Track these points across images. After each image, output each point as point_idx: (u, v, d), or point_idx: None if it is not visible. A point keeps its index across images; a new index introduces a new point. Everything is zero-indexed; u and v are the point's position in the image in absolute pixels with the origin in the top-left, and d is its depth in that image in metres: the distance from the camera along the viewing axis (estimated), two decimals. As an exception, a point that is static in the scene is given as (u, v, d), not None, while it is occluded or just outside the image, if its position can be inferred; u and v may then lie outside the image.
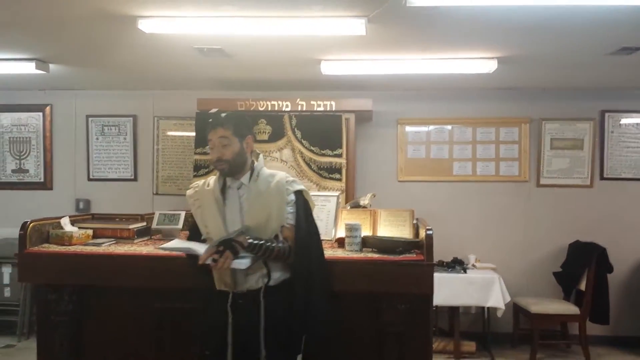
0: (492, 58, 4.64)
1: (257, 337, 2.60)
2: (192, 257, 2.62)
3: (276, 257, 2.60)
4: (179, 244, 2.74)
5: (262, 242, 2.53)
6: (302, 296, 2.60)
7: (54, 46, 4.52)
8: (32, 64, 4.89)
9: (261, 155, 2.84)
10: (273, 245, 2.57)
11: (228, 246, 2.44)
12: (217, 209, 2.68)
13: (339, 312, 2.82)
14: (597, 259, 5.31)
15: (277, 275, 2.66)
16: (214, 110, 2.75)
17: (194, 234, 2.83)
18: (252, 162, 2.74)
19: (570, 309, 5.40)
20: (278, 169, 4.97)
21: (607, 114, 5.92)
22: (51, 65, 5.11)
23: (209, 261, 2.45)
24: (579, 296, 5.48)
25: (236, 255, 2.46)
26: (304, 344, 2.71)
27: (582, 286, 5.38)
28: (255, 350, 2.60)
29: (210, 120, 2.68)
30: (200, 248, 2.55)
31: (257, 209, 2.65)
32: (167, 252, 3.09)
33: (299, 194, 2.71)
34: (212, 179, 2.80)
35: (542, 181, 5.97)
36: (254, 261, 2.55)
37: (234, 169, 2.67)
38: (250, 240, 2.49)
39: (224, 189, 2.72)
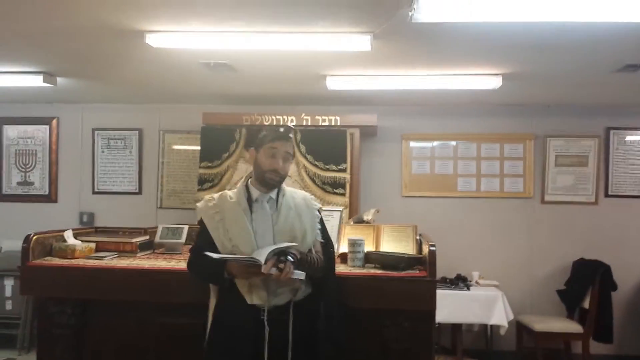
0: (497, 74, 4.65)
1: (283, 354, 2.55)
2: (213, 271, 2.57)
3: (315, 271, 2.62)
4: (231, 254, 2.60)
5: (309, 256, 2.60)
6: (335, 309, 2.67)
7: (62, 60, 4.56)
8: (40, 77, 4.92)
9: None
10: (314, 259, 2.63)
11: (288, 256, 2.47)
12: (247, 221, 2.64)
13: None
14: (601, 277, 5.28)
15: (303, 289, 2.65)
16: (290, 122, 2.82)
17: (206, 249, 2.63)
18: None
19: (574, 327, 5.36)
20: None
21: (612, 131, 5.92)
22: (58, 79, 5.14)
23: (272, 271, 2.41)
24: (583, 314, 5.45)
25: (295, 267, 2.48)
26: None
27: (586, 304, 5.34)
28: None
29: (283, 130, 2.70)
30: (260, 257, 2.45)
31: (291, 222, 2.66)
32: (169, 267, 3.10)
33: (319, 211, 2.81)
34: (230, 192, 2.76)
35: (547, 198, 5.96)
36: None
37: (280, 184, 2.72)
38: (304, 255, 2.56)
39: (249, 202, 2.69)
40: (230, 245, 2.63)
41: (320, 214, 2.81)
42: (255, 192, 2.69)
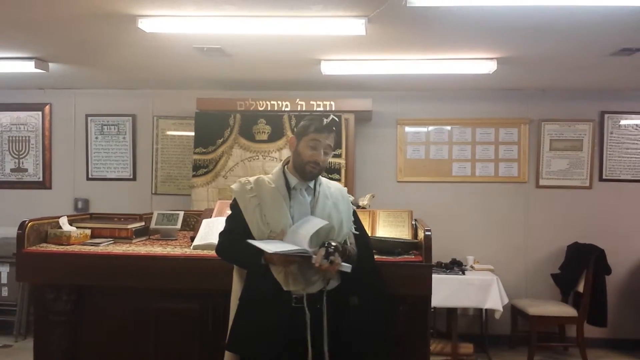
0: (492, 59, 4.64)
1: (319, 341, 2.54)
2: (250, 257, 2.55)
3: (351, 262, 2.59)
4: (279, 247, 2.50)
5: (347, 248, 2.61)
6: (377, 302, 2.70)
7: (54, 45, 4.52)
8: (32, 63, 4.88)
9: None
10: (352, 251, 2.64)
11: (336, 249, 2.47)
12: (287, 207, 2.63)
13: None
14: (596, 261, 5.31)
15: (334, 281, 2.64)
16: (331, 117, 2.79)
17: (240, 232, 2.62)
18: None
19: (568, 311, 5.39)
20: (277, 169, 4.99)
21: (606, 115, 5.93)
22: (51, 64, 5.10)
23: (324, 262, 2.42)
24: (577, 298, 5.48)
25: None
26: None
27: (580, 288, 5.38)
28: (318, 356, 2.55)
29: (326, 123, 2.67)
30: (303, 247, 2.46)
31: (327, 212, 2.66)
32: (165, 253, 3.10)
33: (354, 204, 2.87)
34: (268, 177, 2.72)
35: (541, 182, 5.98)
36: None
37: (318, 176, 2.71)
38: (342, 246, 2.56)
39: (287, 189, 2.67)
40: (267, 231, 2.59)
41: (354, 206, 2.83)
42: (293, 180, 2.67)
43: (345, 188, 2.89)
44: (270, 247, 2.46)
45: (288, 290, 2.55)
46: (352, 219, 2.77)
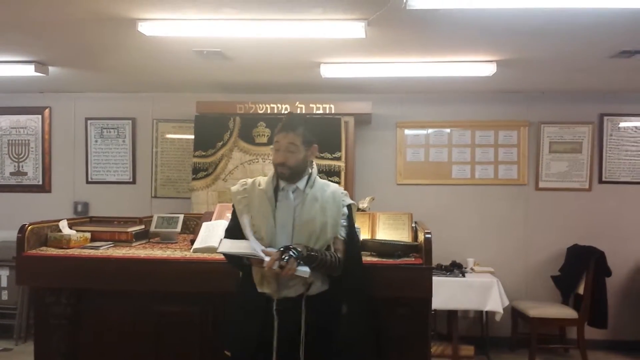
0: (492, 61, 4.64)
1: (293, 347, 2.55)
2: (234, 257, 2.59)
3: (327, 268, 2.57)
4: (234, 246, 2.60)
5: (317, 253, 2.52)
6: (354, 311, 2.62)
7: (54, 49, 4.52)
8: (32, 67, 4.88)
9: (314, 163, 2.83)
10: (327, 257, 2.56)
11: (292, 254, 2.42)
12: (271, 209, 2.64)
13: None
14: (596, 263, 5.31)
15: (318, 285, 2.61)
16: (287, 110, 2.75)
17: (232, 235, 2.70)
18: (312, 168, 2.74)
19: (569, 313, 5.39)
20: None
21: (606, 118, 5.93)
22: (50, 68, 5.10)
23: (275, 266, 2.40)
24: (578, 300, 5.48)
25: (299, 264, 2.44)
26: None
27: (581, 290, 5.37)
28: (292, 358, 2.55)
29: (283, 122, 2.67)
30: (257, 249, 2.47)
31: (312, 215, 2.62)
32: (165, 256, 3.10)
33: (349, 208, 2.74)
34: (262, 179, 2.75)
35: (541, 184, 5.98)
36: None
37: (294, 176, 2.65)
38: (310, 252, 2.48)
39: (276, 191, 2.68)
40: (253, 232, 2.61)
41: (350, 210, 2.73)
42: (282, 182, 2.68)
43: (344, 192, 2.78)
44: (227, 246, 2.55)
45: (264, 293, 2.58)
46: (344, 223, 2.70)
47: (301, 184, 2.68)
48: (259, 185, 2.72)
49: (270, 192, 2.67)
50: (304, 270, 2.45)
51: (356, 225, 3.23)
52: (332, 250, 2.63)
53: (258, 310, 2.59)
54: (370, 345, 2.71)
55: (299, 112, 5.43)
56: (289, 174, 2.63)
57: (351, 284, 2.66)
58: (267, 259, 2.41)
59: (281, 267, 2.40)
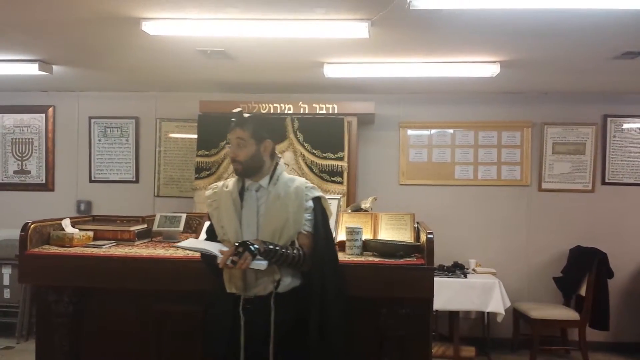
0: (495, 62, 4.64)
1: (265, 344, 2.56)
2: (207, 257, 2.64)
3: (290, 263, 2.57)
4: (195, 243, 2.76)
5: (277, 248, 2.52)
6: (317, 305, 2.59)
7: (58, 48, 4.53)
8: (36, 66, 4.90)
9: (282, 160, 2.83)
10: (288, 252, 2.55)
11: (246, 248, 2.44)
12: (234, 210, 2.66)
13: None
14: (598, 265, 5.30)
15: (287, 282, 2.62)
16: (237, 109, 2.75)
17: (211, 235, 2.81)
18: (275, 166, 2.73)
19: (570, 314, 5.39)
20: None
21: (609, 119, 5.92)
22: (54, 67, 5.12)
23: (228, 262, 2.44)
24: (579, 302, 5.47)
25: (254, 258, 2.45)
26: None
27: (583, 291, 5.37)
28: (263, 357, 2.57)
29: (233, 119, 2.70)
30: (214, 248, 2.54)
31: (274, 212, 2.63)
32: (167, 255, 3.10)
33: (318, 201, 2.70)
34: (231, 181, 2.78)
35: (544, 186, 5.97)
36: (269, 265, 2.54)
37: (248, 171, 2.67)
38: (267, 246, 2.48)
39: (242, 191, 2.71)
40: (222, 233, 2.69)
41: (316, 204, 2.69)
42: (248, 181, 2.71)
43: (309, 186, 2.72)
44: (188, 242, 2.70)
45: (233, 293, 2.63)
46: (308, 217, 2.66)
47: (264, 181, 2.69)
48: (226, 187, 2.76)
49: (236, 193, 2.70)
50: (260, 263, 2.47)
51: (358, 225, 3.25)
52: (297, 245, 2.62)
53: (227, 310, 2.63)
54: (342, 342, 2.66)
55: (302, 111, 5.45)
56: (241, 169, 2.67)
57: (321, 278, 2.62)
58: (220, 256, 2.47)
59: (233, 262, 2.43)
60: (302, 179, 2.76)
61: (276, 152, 2.81)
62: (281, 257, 2.52)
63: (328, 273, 2.65)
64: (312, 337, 2.57)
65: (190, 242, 2.75)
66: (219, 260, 2.48)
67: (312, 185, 2.74)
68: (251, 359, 2.61)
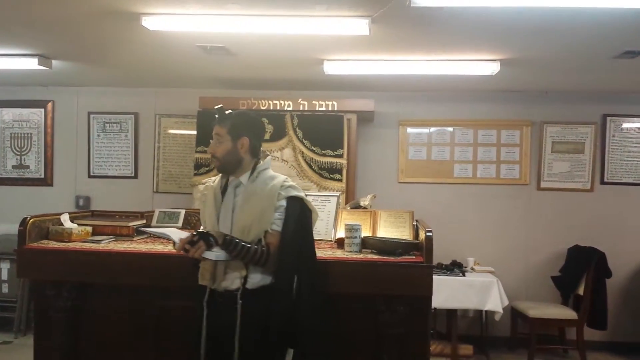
0: (495, 60, 4.64)
1: (231, 339, 2.58)
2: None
3: (251, 259, 2.56)
4: (159, 229, 2.90)
5: (237, 241, 2.54)
6: (282, 304, 2.58)
7: (57, 42, 4.52)
8: (35, 60, 4.89)
9: (269, 157, 2.83)
10: (248, 246, 2.55)
11: (203, 237, 2.49)
12: (214, 206, 2.73)
13: (337, 314, 2.82)
14: (596, 264, 5.31)
15: (256, 279, 2.61)
16: (218, 106, 2.77)
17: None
18: (256, 162, 2.74)
19: (568, 313, 5.39)
20: (279, 168, 5.00)
21: (608, 118, 5.92)
22: (54, 62, 5.11)
23: (181, 249, 2.52)
24: (577, 301, 5.48)
25: (209, 248, 2.49)
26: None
27: (581, 291, 5.37)
28: (229, 351, 2.58)
29: (216, 117, 2.75)
30: (175, 235, 2.63)
31: (246, 209, 2.65)
32: (165, 250, 3.11)
33: (293, 200, 2.66)
34: (219, 177, 2.84)
35: (543, 184, 5.97)
36: (229, 258, 2.56)
37: (226, 167, 2.72)
38: (226, 239, 2.52)
39: (225, 187, 2.75)
40: (204, 227, 2.76)
41: (291, 203, 2.65)
42: (231, 177, 2.76)
43: (286, 185, 2.68)
44: (150, 229, 2.92)
45: (204, 286, 2.68)
46: (278, 216, 2.63)
47: (244, 178, 2.72)
48: (214, 183, 2.84)
49: (218, 189, 2.77)
50: (215, 254, 2.52)
51: (357, 222, 3.25)
52: (263, 243, 2.61)
53: (199, 302, 2.69)
54: (316, 340, 2.64)
55: (301, 108, 5.45)
56: (218, 164, 2.73)
57: (289, 277, 2.60)
58: (178, 242, 2.56)
59: (185, 250, 2.49)
60: (282, 178, 2.73)
61: (261, 149, 2.81)
62: (241, 251, 2.53)
63: (302, 272, 2.63)
64: (272, 333, 2.57)
65: (156, 229, 2.93)
66: (175, 247, 2.58)
67: (290, 184, 2.71)
68: (218, 353, 2.64)
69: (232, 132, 2.69)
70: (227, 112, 2.74)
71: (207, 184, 2.89)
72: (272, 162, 5.28)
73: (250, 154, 2.73)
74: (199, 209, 4.18)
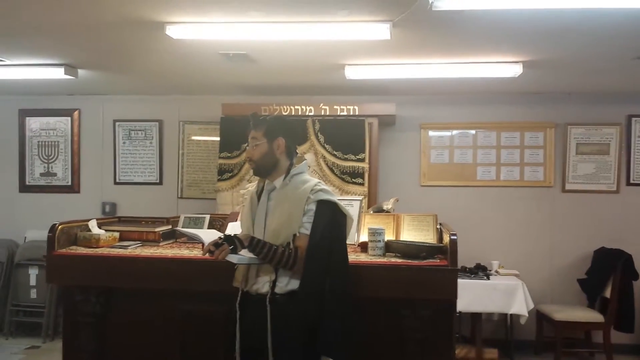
0: (518, 62, 4.61)
1: (263, 342, 2.58)
2: None
3: (279, 261, 2.56)
4: (192, 230, 3.06)
5: (263, 242, 2.57)
6: (309, 309, 2.55)
7: (83, 52, 4.60)
8: (61, 70, 4.98)
9: (304, 162, 2.84)
10: (275, 247, 2.56)
11: (228, 240, 2.54)
12: (250, 209, 2.80)
13: (361, 317, 2.81)
14: (623, 266, 5.25)
15: (284, 283, 2.61)
16: (251, 113, 2.85)
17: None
18: (290, 166, 2.76)
19: (595, 316, 5.33)
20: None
21: (633, 119, 5.85)
22: (80, 71, 5.19)
23: (207, 252, 2.59)
24: (604, 304, 5.41)
25: (234, 251, 2.53)
26: None
27: (607, 293, 5.31)
28: (262, 356, 2.59)
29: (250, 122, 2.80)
30: (206, 237, 2.69)
31: (277, 213, 2.67)
32: (191, 255, 3.15)
33: (323, 204, 2.64)
34: (257, 181, 2.91)
35: (568, 186, 5.92)
36: (254, 261, 2.59)
37: (262, 170, 2.76)
38: (252, 239, 2.56)
39: (261, 192, 2.80)
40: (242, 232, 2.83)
41: (321, 207, 2.63)
42: (267, 181, 2.79)
43: (317, 189, 2.67)
44: (186, 230, 3.09)
45: (238, 288, 2.74)
46: (307, 220, 2.62)
47: (278, 182, 2.74)
48: (254, 186, 2.92)
49: (254, 193, 2.84)
50: (236, 257, 2.55)
51: (380, 226, 3.25)
52: (291, 246, 2.60)
53: (233, 304, 2.73)
54: (346, 348, 2.60)
55: (323, 113, 5.47)
56: (255, 168, 2.78)
57: (307, 281, 2.57)
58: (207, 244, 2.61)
59: (211, 252, 2.54)
60: (314, 181, 2.73)
61: (297, 151, 2.84)
62: (268, 252, 2.55)
63: (332, 277, 2.59)
64: (299, 337, 2.57)
65: (190, 229, 3.06)
66: (203, 248, 2.65)
67: (321, 188, 2.69)
68: (250, 354, 2.67)
69: (268, 133, 2.73)
70: (260, 117, 2.80)
71: (248, 189, 2.96)
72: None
73: (286, 155, 2.76)
74: (223, 215, 4.25)
